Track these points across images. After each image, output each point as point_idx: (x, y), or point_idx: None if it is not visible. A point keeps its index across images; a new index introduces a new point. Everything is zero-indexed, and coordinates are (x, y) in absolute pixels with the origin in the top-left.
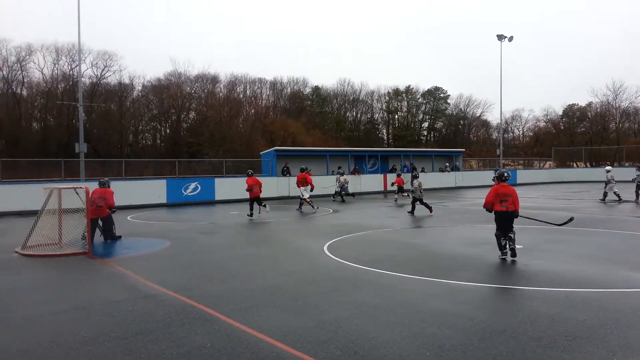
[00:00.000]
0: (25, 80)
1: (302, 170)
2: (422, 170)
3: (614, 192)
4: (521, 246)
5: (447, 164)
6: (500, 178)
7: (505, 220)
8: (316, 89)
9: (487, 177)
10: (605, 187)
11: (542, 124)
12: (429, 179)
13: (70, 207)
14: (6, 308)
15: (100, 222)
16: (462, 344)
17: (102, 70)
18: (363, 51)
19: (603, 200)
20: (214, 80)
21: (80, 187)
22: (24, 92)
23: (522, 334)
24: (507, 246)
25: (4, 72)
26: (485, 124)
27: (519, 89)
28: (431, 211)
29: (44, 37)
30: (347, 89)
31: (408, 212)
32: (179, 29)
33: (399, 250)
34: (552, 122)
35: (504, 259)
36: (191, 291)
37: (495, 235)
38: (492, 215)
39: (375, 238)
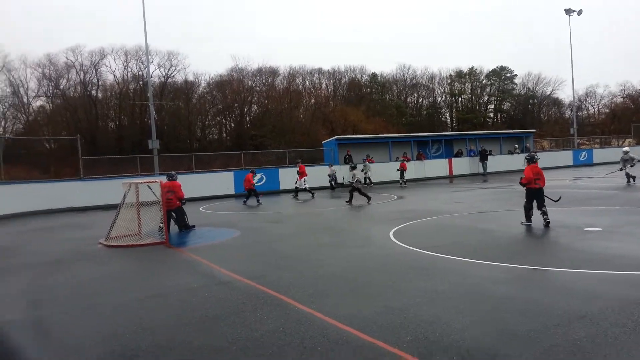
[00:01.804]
0: (99, 83)
1: (297, 162)
2: (490, 153)
3: (626, 172)
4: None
5: (517, 145)
6: (531, 160)
7: (538, 196)
8: (374, 76)
9: (562, 158)
10: (625, 167)
11: (619, 100)
12: (498, 162)
13: (147, 200)
14: (95, 295)
15: (173, 214)
16: (536, 330)
17: (169, 70)
18: (422, 35)
19: (629, 181)
20: (274, 73)
21: (155, 182)
22: (99, 94)
23: (604, 319)
24: (542, 218)
25: (81, 77)
26: (557, 103)
27: (592, 64)
28: (369, 201)
29: (114, 42)
30: (407, 74)
31: (346, 201)
32: (237, 26)
33: (466, 235)
34: (630, 97)
35: (529, 225)
36: (262, 278)
37: (525, 207)
38: (557, 198)
39: (441, 223)
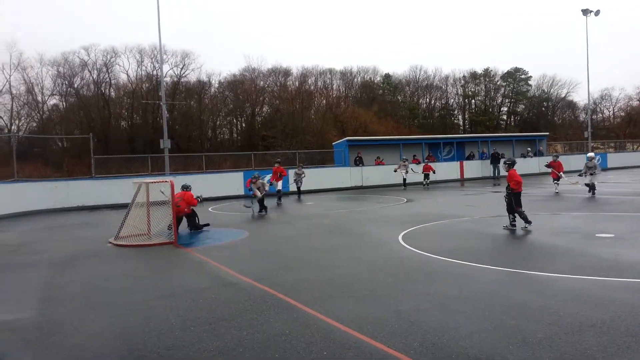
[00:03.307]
0: (112, 81)
1: (277, 162)
2: (502, 156)
3: (586, 183)
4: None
5: (529, 149)
6: (512, 165)
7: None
8: (387, 77)
9: (575, 162)
10: (586, 175)
11: (635, 103)
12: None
13: (157, 200)
14: (103, 294)
15: (184, 217)
16: (548, 338)
17: (182, 69)
18: (436, 35)
19: (590, 191)
20: (286, 73)
21: (165, 181)
22: (112, 93)
23: (615, 328)
24: (510, 220)
25: (94, 76)
26: (572, 105)
27: (608, 67)
28: (266, 212)
29: (129, 41)
30: (419, 75)
31: (259, 213)
32: (251, 25)
33: (478, 240)
34: None
35: (530, 223)
36: (269, 280)
37: (520, 211)
38: (572, 203)
39: (451, 227)
